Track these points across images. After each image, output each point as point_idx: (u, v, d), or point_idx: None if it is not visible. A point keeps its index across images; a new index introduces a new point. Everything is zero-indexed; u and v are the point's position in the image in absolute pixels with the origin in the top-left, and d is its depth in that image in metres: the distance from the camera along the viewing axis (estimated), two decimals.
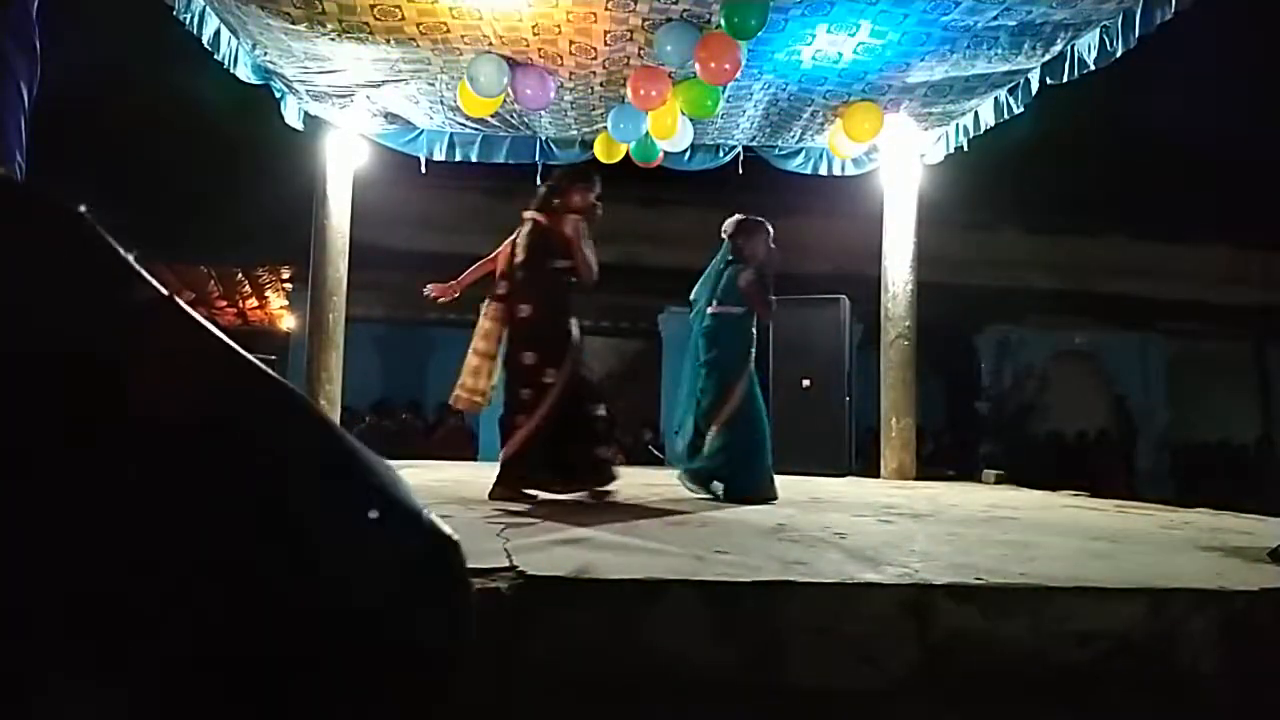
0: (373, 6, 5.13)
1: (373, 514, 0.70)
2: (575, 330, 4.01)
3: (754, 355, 4.54)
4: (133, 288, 0.70)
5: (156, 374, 0.68)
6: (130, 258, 0.71)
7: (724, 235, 4.62)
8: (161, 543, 0.65)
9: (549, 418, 3.82)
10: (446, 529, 0.74)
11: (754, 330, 4.52)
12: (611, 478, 3.96)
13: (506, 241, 4.18)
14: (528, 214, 4.12)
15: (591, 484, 3.92)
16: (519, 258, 4.05)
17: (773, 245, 4.56)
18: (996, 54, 5.50)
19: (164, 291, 0.71)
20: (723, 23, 4.93)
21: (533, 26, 5.32)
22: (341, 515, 0.70)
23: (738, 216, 4.63)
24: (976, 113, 6.49)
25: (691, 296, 4.74)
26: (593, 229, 4.06)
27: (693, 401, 4.59)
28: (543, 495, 3.94)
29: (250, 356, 0.74)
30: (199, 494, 0.67)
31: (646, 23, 5.23)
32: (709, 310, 4.51)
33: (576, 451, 3.90)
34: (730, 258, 4.55)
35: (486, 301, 4.17)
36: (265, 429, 0.71)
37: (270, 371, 0.74)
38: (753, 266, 4.46)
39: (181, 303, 0.72)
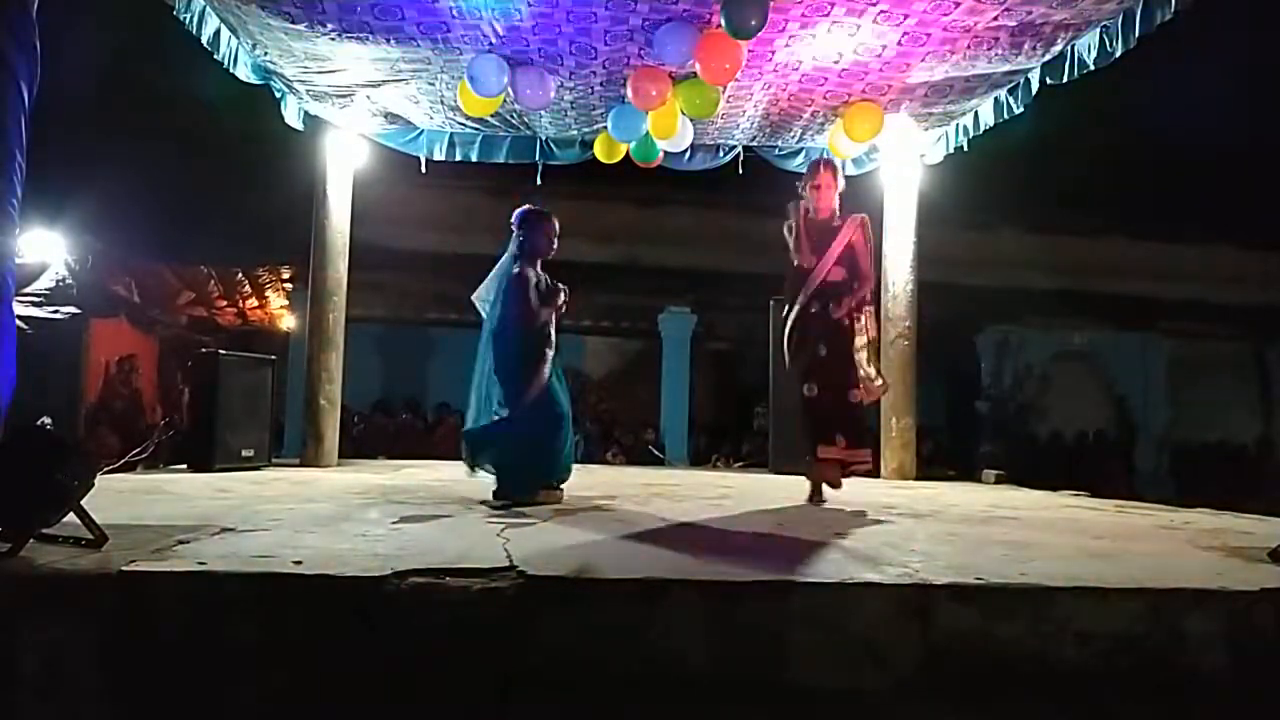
0: (373, 6, 5.13)
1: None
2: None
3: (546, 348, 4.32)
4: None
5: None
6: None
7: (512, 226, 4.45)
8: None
9: None
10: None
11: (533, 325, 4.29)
12: None
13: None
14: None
15: None
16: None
17: (553, 239, 4.41)
18: (996, 54, 5.50)
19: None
20: (723, 23, 4.93)
21: (533, 26, 5.32)
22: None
23: (525, 207, 4.45)
24: (976, 113, 6.48)
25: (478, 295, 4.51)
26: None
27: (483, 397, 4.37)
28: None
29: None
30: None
31: (646, 23, 5.23)
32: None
33: None
34: (515, 251, 4.39)
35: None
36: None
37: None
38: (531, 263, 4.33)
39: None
